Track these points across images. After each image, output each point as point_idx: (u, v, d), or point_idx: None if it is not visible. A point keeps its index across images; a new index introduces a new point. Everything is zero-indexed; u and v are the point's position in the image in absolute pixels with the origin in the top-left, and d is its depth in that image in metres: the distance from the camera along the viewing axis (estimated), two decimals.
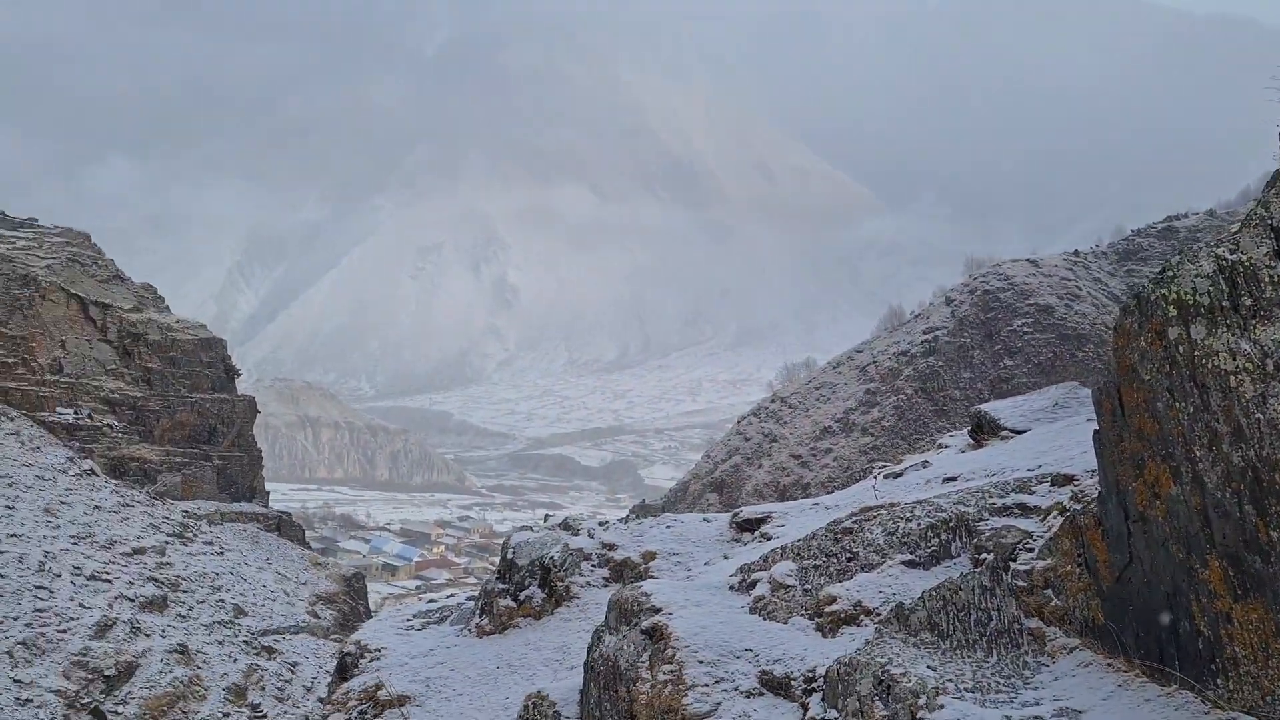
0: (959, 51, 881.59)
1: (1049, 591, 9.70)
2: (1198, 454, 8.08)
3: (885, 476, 16.68)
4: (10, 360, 54.78)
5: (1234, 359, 7.92)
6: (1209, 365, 8.04)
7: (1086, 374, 60.11)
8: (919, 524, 11.69)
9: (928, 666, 9.09)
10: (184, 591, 41.27)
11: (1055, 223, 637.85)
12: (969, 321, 76.09)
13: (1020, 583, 9.91)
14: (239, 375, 67.97)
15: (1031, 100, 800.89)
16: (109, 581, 38.20)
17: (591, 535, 17.77)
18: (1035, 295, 74.44)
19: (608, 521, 20.02)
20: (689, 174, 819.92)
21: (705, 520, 17.57)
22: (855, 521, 12.34)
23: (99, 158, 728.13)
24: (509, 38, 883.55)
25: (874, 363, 79.60)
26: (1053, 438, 14.93)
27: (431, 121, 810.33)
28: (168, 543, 45.32)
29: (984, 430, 17.98)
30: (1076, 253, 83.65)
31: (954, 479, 14.53)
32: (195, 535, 48.42)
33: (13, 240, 59.48)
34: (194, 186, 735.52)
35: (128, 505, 46.92)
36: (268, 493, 67.54)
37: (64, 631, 33.61)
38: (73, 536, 40.30)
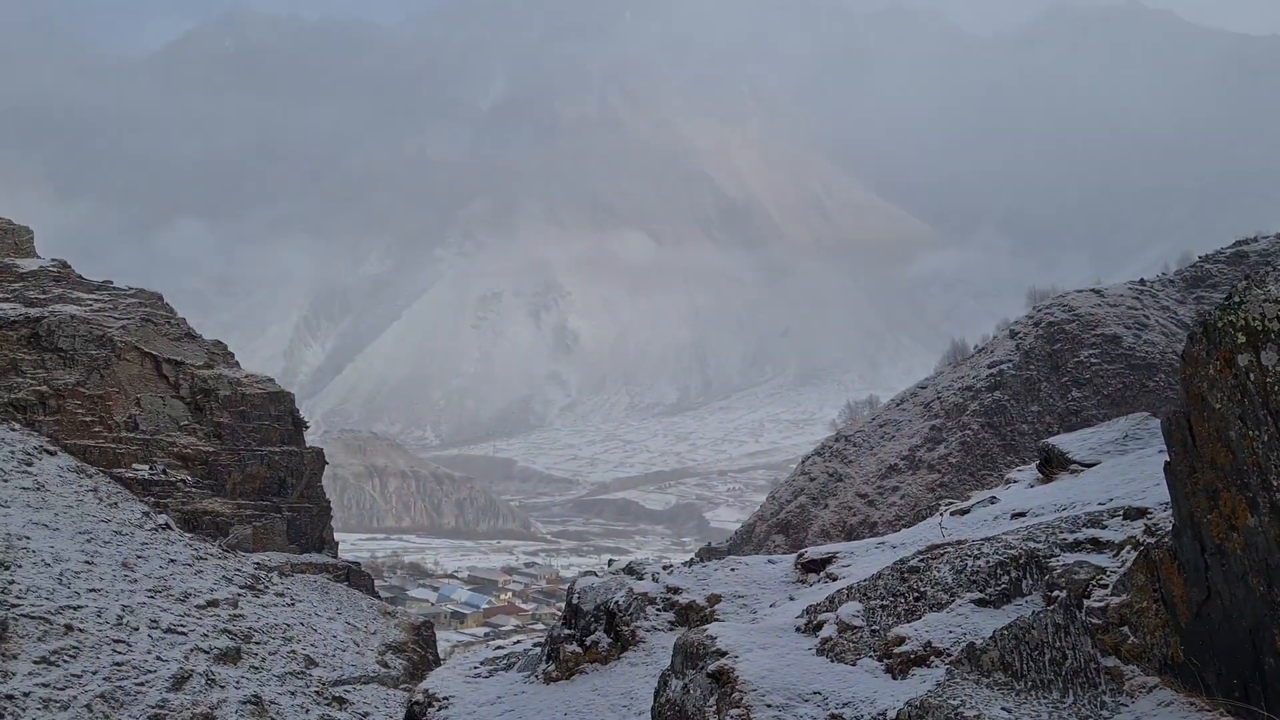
0: (1012, 82, 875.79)
1: (1125, 628, 9.45)
2: (1274, 483, 7.86)
3: (952, 514, 16.40)
4: (88, 419, 56.30)
5: None
6: None
7: (1157, 404, 58.74)
8: (988, 561, 11.47)
9: (1002, 708, 8.88)
10: (256, 643, 41.76)
11: (1119, 252, 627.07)
12: (1034, 354, 74.88)
13: (1095, 620, 9.67)
14: (307, 427, 69.04)
15: (1089, 129, 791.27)
16: (184, 634, 38.81)
17: (655, 579, 17.69)
18: (1101, 325, 73.06)
19: (671, 565, 19.93)
20: (745, 215, 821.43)
21: (770, 562, 17.41)
22: (922, 560, 12.15)
23: (169, 221, 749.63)
24: (562, 88, 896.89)
25: (938, 398, 78.57)
26: (1123, 470, 14.60)
27: (489, 173, 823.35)
28: (240, 595, 45.96)
29: (1052, 464, 17.63)
30: (1142, 281, 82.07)
31: (1023, 514, 14.24)
32: (267, 587, 49.06)
33: (90, 303, 61.35)
34: (260, 245, 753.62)
35: (201, 558, 47.74)
36: (337, 543, 68.27)
37: (142, 684, 34.15)
38: (149, 590, 41.07)
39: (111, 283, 65.95)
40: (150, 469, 57.04)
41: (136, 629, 37.31)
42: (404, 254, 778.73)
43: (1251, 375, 8.04)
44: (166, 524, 50.29)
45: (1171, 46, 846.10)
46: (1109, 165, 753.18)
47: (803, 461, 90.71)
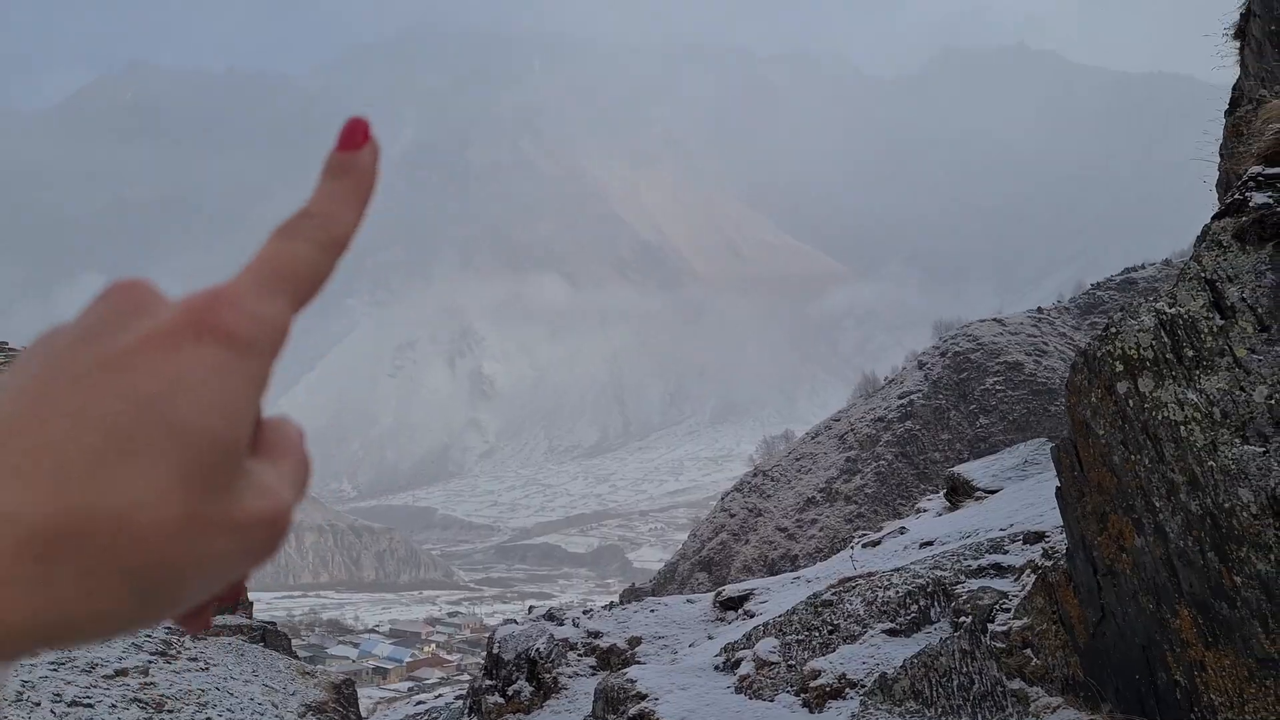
0: (913, 121, 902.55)
1: (1028, 651, 9.76)
2: (1157, 504, 8.24)
3: (864, 545, 16.74)
4: None
5: (1182, 409, 8.13)
6: (1159, 417, 8.24)
7: (1059, 428, 60.41)
8: (897, 592, 11.75)
9: None
10: (169, 711, 40.42)
11: (1020, 283, 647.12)
12: (942, 383, 76.57)
13: (999, 644, 9.96)
14: None
15: (986, 164, 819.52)
16: (91, 706, 37.38)
17: (576, 624, 17.66)
18: (1004, 354, 75.11)
19: (593, 609, 19.92)
20: (659, 256, 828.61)
21: (689, 601, 17.53)
22: (835, 593, 12.39)
23: (72, 277, 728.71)
24: (473, 134, 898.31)
25: (852, 430, 79.81)
26: (1023, 495, 15.09)
27: (401, 220, 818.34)
28: (151, 662, 44.50)
29: (959, 492, 18.13)
30: (1040, 310, 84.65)
31: (930, 543, 14.62)
32: (179, 652, 47.56)
33: None
34: None
35: None
36: (251, 603, 66.54)
37: None
38: (52, 662, 39.55)
39: (8, 344, 63.79)
40: None
41: (38, 704, 35.86)
42: (315, 303, 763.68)
43: (1130, 402, 8.44)
44: None
45: (1059, 85, 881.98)
46: (1007, 200, 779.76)
47: (722, 498, 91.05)
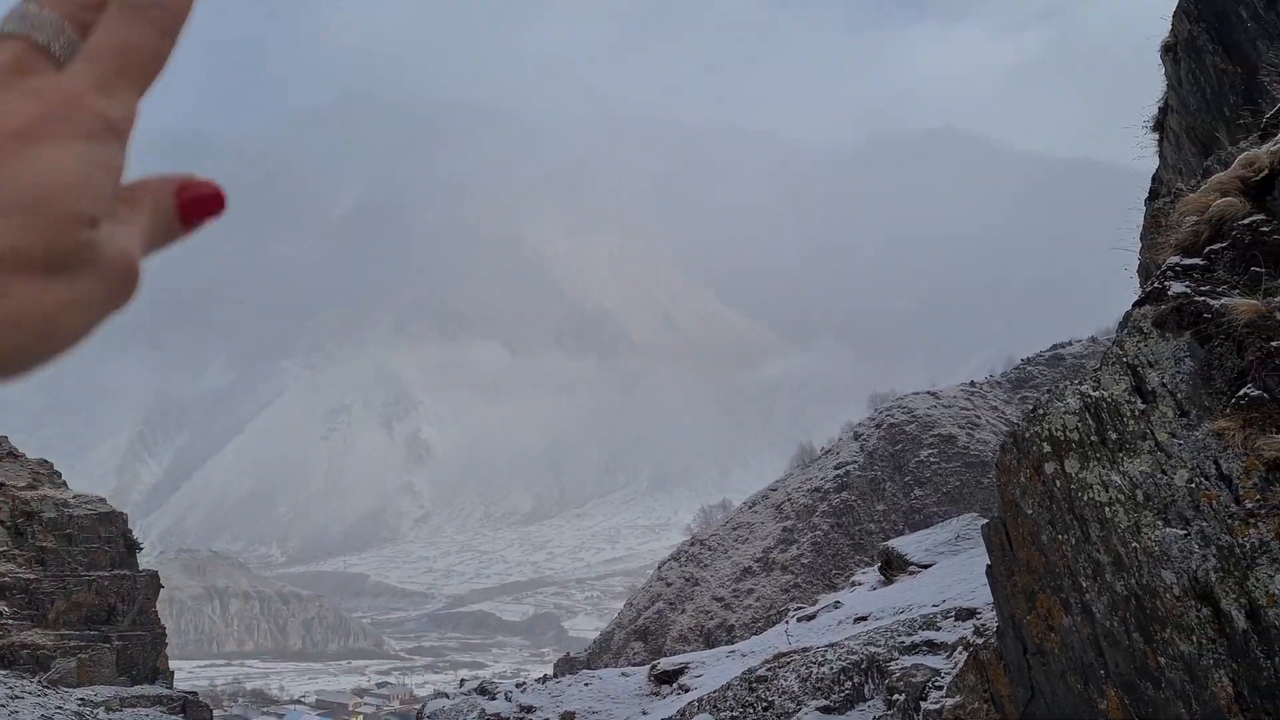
0: (847, 198, 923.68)
1: None
2: (1084, 584, 8.41)
3: (799, 619, 16.74)
4: None
5: (1107, 491, 8.35)
6: (1084, 498, 8.46)
7: (992, 500, 61.28)
8: (831, 668, 11.75)
9: None
10: None
11: (952, 357, 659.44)
12: (878, 455, 77.49)
13: None
14: (140, 549, 65.32)
15: (918, 243, 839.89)
16: None
17: (509, 698, 17.34)
18: (938, 426, 76.39)
19: (525, 682, 19.61)
20: (596, 324, 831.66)
21: (623, 675, 17.34)
22: (769, 669, 12.35)
23: None
24: (412, 198, 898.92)
25: (789, 500, 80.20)
26: (955, 570, 15.24)
27: (338, 283, 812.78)
28: None
29: (893, 566, 18.25)
30: (973, 383, 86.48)
31: (865, 618, 14.67)
32: None
33: None
34: (92, 358, 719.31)
35: (17, 697, 44.19)
36: (172, 672, 64.15)
37: None
38: None
39: None
40: None
41: None
42: (247, 366, 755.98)
43: (1057, 482, 8.65)
44: None
45: (987, 167, 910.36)
46: (938, 275, 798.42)
47: (659, 567, 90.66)
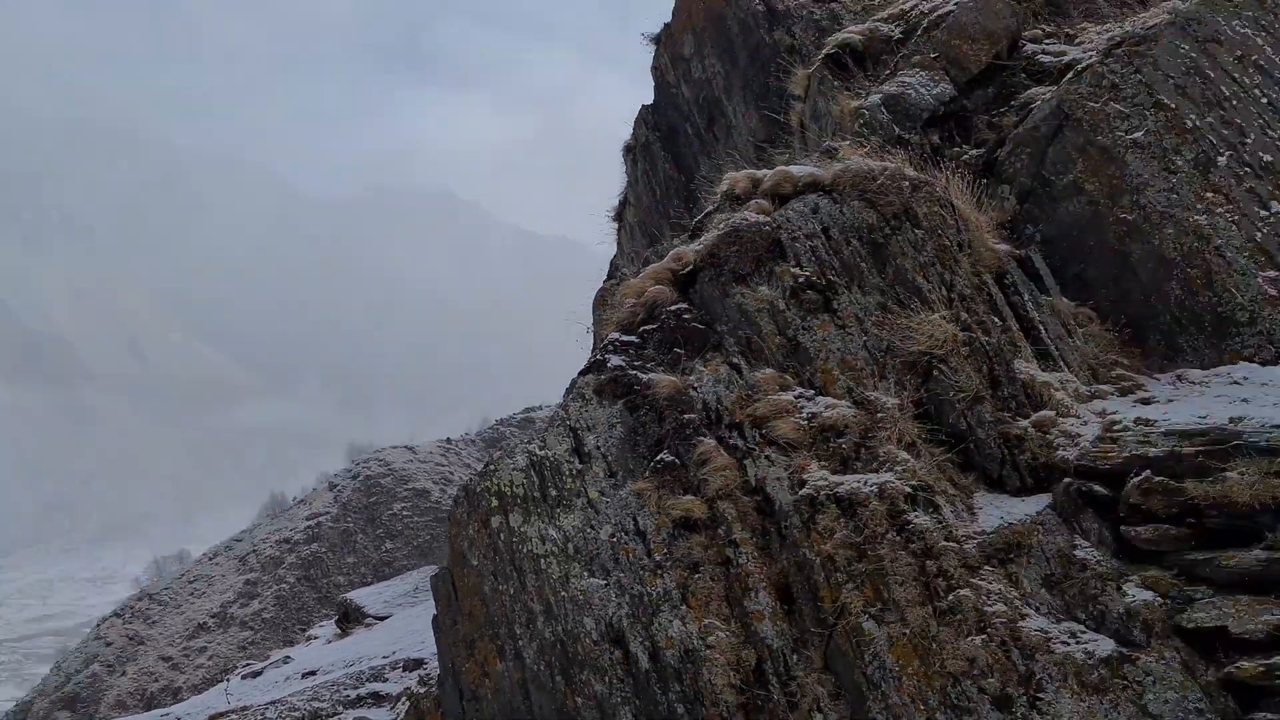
0: (340, 246, 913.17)
1: None
2: (518, 631, 8.96)
3: (244, 676, 15.95)
4: None
5: (544, 543, 9.02)
6: (525, 550, 9.06)
7: None
8: None
9: None
10: None
11: (433, 411, 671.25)
12: (352, 506, 76.61)
13: None
14: None
15: (408, 296, 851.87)
16: None
17: None
18: (413, 480, 77.31)
19: None
20: (48, 351, 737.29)
21: None
22: None
23: None
24: None
25: (254, 551, 76.37)
26: (411, 621, 15.48)
27: None
28: None
29: (350, 619, 18.09)
30: (449, 440, 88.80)
31: (314, 673, 14.36)
32: None
33: None
34: None
35: None
36: None
37: None
38: None
39: None
40: None
41: None
42: None
43: (502, 535, 9.18)
44: None
45: (479, 234, 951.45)
46: (424, 331, 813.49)
47: (98, 625, 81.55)
